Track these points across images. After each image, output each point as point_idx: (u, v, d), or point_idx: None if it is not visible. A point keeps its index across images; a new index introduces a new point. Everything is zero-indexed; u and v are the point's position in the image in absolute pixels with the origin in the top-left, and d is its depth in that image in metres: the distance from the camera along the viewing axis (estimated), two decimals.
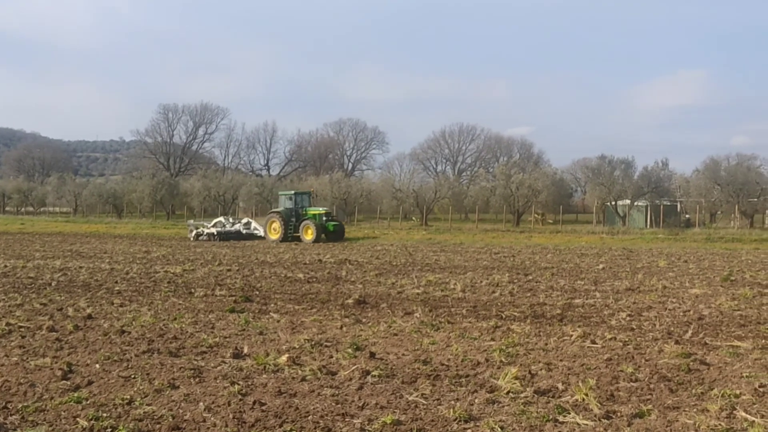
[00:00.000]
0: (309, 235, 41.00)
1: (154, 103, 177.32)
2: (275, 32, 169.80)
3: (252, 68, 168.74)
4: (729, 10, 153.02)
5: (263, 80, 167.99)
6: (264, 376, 8.08)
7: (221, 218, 47.34)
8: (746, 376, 8.04)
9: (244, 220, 46.93)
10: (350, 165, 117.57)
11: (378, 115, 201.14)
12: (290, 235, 41.78)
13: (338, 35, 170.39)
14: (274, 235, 41.95)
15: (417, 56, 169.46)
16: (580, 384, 7.48)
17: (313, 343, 9.87)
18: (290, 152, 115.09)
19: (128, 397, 7.12)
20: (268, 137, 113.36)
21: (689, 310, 13.23)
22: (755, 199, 56.09)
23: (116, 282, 17.47)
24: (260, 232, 43.83)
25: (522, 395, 7.25)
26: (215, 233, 43.05)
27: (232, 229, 44.59)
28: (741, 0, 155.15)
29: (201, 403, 6.94)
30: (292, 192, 45.55)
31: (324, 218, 42.56)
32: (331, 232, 42.44)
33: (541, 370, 8.38)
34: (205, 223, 46.45)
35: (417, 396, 7.24)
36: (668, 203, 62.02)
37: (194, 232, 44.04)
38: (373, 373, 8.08)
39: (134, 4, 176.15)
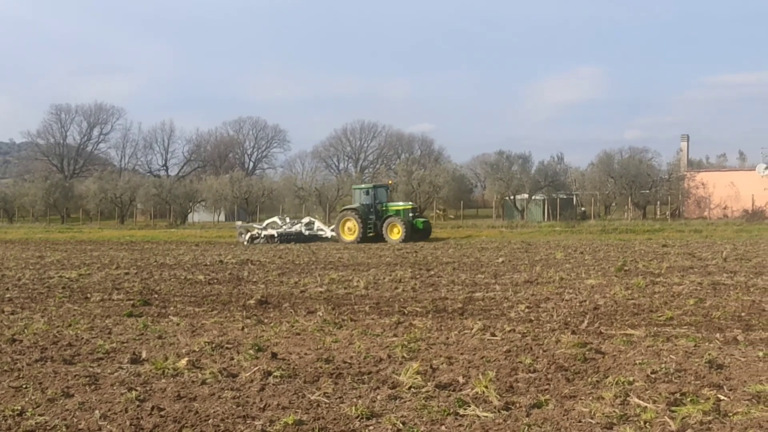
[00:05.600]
0: (395, 234, 36.72)
1: (45, 104, 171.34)
2: (171, 31, 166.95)
3: (148, 67, 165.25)
4: (622, 8, 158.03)
5: (159, 79, 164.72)
6: (163, 380, 7.91)
7: (275, 218, 42.52)
8: (639, 364, 8.28)
9: (306, 220, 42.34)
10: (251, 164, 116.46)
11: (278, 113, 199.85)
12: (369, 235, 37.44)
13: (236, 33, 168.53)
14: (349, 236, 37.35)
15: (318, 54, 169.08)
16: (480, 377, 7.58)
17: (213, 345, 9.71)
18: (189, 152, 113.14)
19: (19, 408, 6.86)
20: (165, 137, 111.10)
21: (585, 301, 13.58)
22: (647, 191, 58.16)
23: (7, 289, 16.82)
24: (325, 232, 39.77)
25: (423, 390, 7.30)
26: (275, 235, 38.68)
27: (292, 229, 40.00)
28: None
29: (97, 411, 6.73)
30: (370, 185, 40.85)
31: (410, 214, 38.09)
32: (419, 231, 37.76)
33: (442, 364, 8.46)
34: (255, 225, 42.19)
35: (319, 395, 7.20)
36: (564, 196, 63.72)
37: (248, 234, 39.35)
38: (275, 373, 8.00)
39: (23, 1, 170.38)
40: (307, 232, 40.13)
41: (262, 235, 39.02)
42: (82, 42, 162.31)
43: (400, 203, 41.05)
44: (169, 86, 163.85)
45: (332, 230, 39.37)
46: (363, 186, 41.32)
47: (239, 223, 46.18)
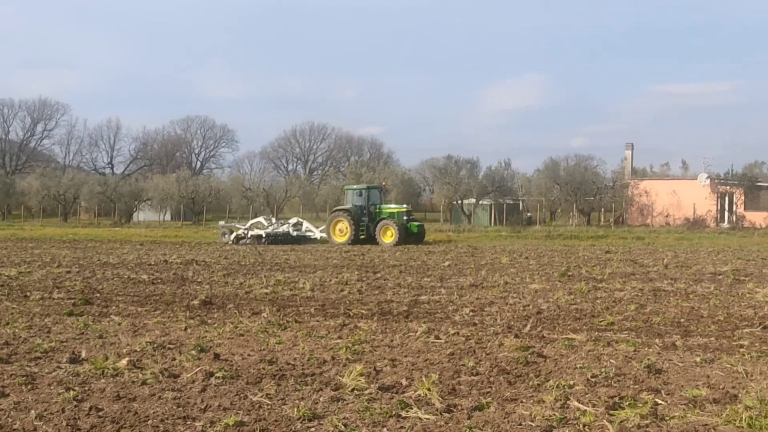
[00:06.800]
0: (389, 237, 36.01)
1: None
2: (118, 26, 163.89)
3: (94, 63, 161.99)
4: (570, 16, 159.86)
5: (106, 75, 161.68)
6: (102, 380, 7.78)
7: (260, 218, 41.74)
8: (580, 368, 8.38)
9: (293, 220, 41.10)
10: (198, 163, 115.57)
11: (227, 113, 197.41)
12: (361, 237, 36.88)
13: (185, 31, 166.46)
14: (341, 238, 36.74)
15: (268, 55, 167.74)
16: (423, 379, 7.60)
17: (155, 345, 9.58)
18: (135, 150, 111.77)
19: None
20: (111, 134, 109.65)
21: (529, 305, 13.71)
22: (592, 198, 59.07)
23: None
24: (314, 234, 38.76)
25: (366, 392, 7.29)
26: (263, 236, 37.53)
27: (279, 230, 38.89)
28: (581, 7, 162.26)
29: (32, 411, 6.59)
30: (364, 186, 40.13)
31: (404, 218, 37.43)
32: (413, 234, 37.26)
33: (386, 366, 8.46)
34: (238, 224, 40.99)
35: (261, 396, 7.16)
36: (511, 202, 64.47)
37: (233, 234, 38.39)
38: (217, 374, 7.92)
39: None
40: (295, 233, 39.21)
41: (249, 236, 38.09)
42: (26, 35, 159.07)
43: (394, 205, 40.36)
44: (116, 83, 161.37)
45: (322, 231, 38.61)
46: (356, 187, 40.56)
47: (222, 222, 45.06)
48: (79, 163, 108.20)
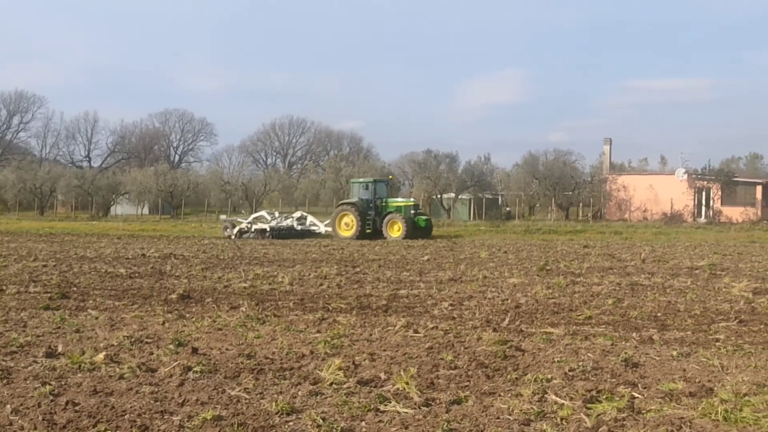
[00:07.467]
0: (396, 231, 35.65)
1: None
2: (95, 18, 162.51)
3: (71, 55, 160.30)
4: (551, 11, 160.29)
5: (83, 68, 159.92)
6: (79, 375, 7.72)
7: (263, 212, 41.00)
8: (557, 361, 8.41)
9: (297, 214, 40.52)
10: (177, 157, 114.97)
11: (206, 106, 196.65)
12: (367, 231, 36.41)
13: (163, 24, 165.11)
14: (346, 232, 36.20)
15: (247, 48, 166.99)
16: (402, 373, 7.60)
17: (132, 339, 9.52)
18: (113, 143, 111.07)
19: None
20: (89, 127, 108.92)
21: (507, 299, 13.75)
22: (570, 193, 59.29)
23: None
24: (319, 228, 38.34)
25: (345, 386, 7.28)
26: (267, 230, 37.04)
27: (283, 224, 38.35)
28: (562, 3, 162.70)
29: (8, 406, 6.53)
30: (370, 180, 39.52)
31: (412, 211, 37.12)
32: (421, 229, 36.76)
33: (364, 360, 8.46)
34: (239, 218, 40.26)
35: (239, 390, 7.13)
36: (490, 196, 64.60)
37: (236, 228, 37.85)
38: (195, 368, 7.88)
39: None
40: (299, 227, 38.77)
41: (252, 230, 37.70)
42: (2, 27, 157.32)
43: (401, 199, 39.90)
44: (93, 75, 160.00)
45: (327, 225, 38.24)
46: (362, 180, 40.09)
47: (223, 217, 44.75)
48: (55, 156, 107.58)
